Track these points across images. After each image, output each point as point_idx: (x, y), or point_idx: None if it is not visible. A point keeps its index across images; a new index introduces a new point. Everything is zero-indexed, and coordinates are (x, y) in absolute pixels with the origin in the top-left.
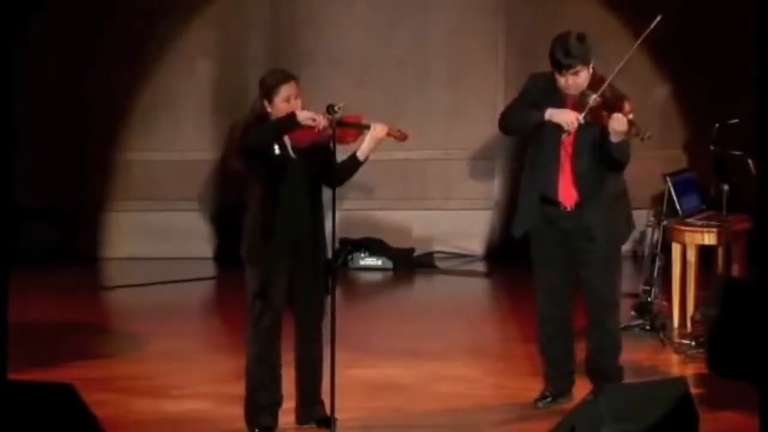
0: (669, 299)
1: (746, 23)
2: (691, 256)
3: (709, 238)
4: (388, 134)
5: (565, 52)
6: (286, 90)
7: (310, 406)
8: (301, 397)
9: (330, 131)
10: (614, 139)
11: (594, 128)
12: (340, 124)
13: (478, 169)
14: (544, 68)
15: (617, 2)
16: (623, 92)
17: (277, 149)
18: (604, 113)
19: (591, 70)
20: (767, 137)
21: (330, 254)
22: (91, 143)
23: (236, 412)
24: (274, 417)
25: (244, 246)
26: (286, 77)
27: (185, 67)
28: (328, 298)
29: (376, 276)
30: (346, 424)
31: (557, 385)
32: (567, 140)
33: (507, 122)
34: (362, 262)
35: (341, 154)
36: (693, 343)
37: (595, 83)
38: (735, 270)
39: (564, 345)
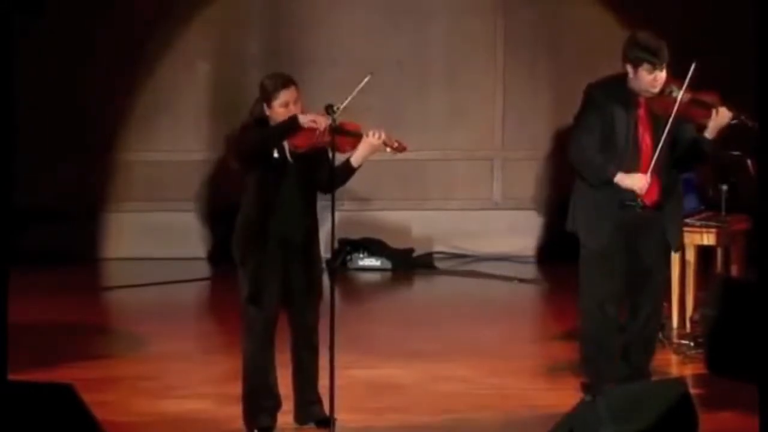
0: (668, 300)
1: (746, 23)
2: (690, 256)
3: (708, 239)
4: (385, 144)
5: (654, 48)
6: (285, 95)
7: (308, 406)
8: (299, 398)
9: (328, 137)
10: (711, 135)
11: (673, 129)
12: (339, 129)
13: (477, 169)
14: (543, 68)
15: (616, 3)
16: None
17: (275, 153)
18: (698, 109)
19: None
20: (766, 138)
21: (329, 255)
22: (90, 144)
23: (236, 412)
24: (273, 418)
25: (235, 246)
26: (286, 83)
27: (185, 69)
28: (326, 299)
29: (375, 276)
30: (345, 425)
31: None
32: (648, 141)
33: (577, 164)
34: (361, 263)
35: (338, 160)
36: (692, 344)
37: (667, 82)
38: (734, 270)
39: (612, 361)
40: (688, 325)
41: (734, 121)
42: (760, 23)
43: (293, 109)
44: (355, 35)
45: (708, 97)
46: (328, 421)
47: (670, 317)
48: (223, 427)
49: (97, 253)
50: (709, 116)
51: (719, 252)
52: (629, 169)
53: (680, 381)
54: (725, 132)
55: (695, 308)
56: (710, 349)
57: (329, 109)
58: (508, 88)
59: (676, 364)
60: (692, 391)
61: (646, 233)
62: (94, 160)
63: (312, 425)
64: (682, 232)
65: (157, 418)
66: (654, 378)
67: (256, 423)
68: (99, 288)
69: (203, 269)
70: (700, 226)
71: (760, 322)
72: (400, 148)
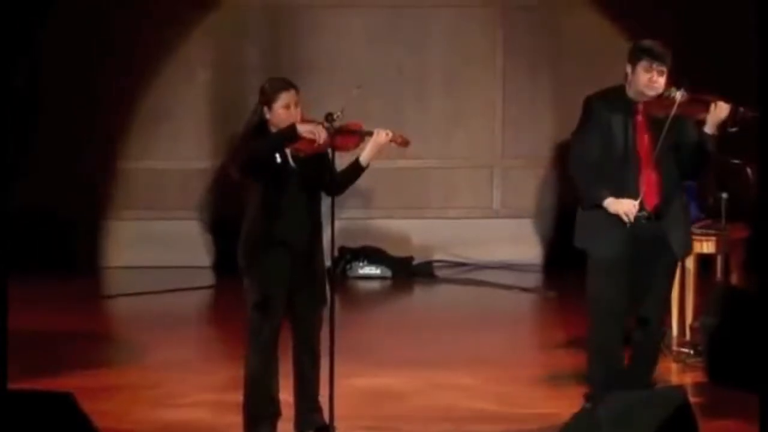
0: (668, 308)
1: (747, 30)
2: (690, 264)
3: (708, 247)
4: (391, 140)
5: (655, 49)
6: (285, 97)
7: (308, 414)
8: (299, 406)
9: (328, 145)
10: (711, 129)
11: (673, 131)
12: (340, 131)
13: (477, 177)
14: (543, 76)
15: (615, 11)
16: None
17: (277, 157)
18: (696, 106)
19: None
20: (766, 145)
21: (329, 263)
22: (91, 152)
23: (236, 420)
24: (273, 426)
25: (242, 254)
26: (287, 85)
27: (185, 77)
28: (326, 307)
29: (375, 285)
30: None
31: None
32: (646, 145)
33: (575, 181)
34: (361, 271)
35: (343, 160)
36: (692, 352)
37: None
38: (734, 278)
39: (618, 373)
40: (687, 333)
41: (735, 115)
42: (761, 30)
43: (293, 112)
44: (355, 43)
45: (705, 95)
46: (327, 429)
47: (669, 325)
48: None
49: (97, 261)
50: (707, 111)
51: (719, 260)
52: (629, 174)
53: (680, 389)
54: (725, 126)
55: (695, 316)
56: (710, 358)
57: (329, 118)
58: (508, 95)
59: (676, 371)
60: (692, 399)
61: (652, 246)
62: (95, 169)
63: None
64: (689, 236)
65: (157, 426)
66: (653, 386)
67: (256, 431)
68: (100, 296)
69: (204, 277)
70: (700, 234)
71: (760, 330)
72: (404, 143)
